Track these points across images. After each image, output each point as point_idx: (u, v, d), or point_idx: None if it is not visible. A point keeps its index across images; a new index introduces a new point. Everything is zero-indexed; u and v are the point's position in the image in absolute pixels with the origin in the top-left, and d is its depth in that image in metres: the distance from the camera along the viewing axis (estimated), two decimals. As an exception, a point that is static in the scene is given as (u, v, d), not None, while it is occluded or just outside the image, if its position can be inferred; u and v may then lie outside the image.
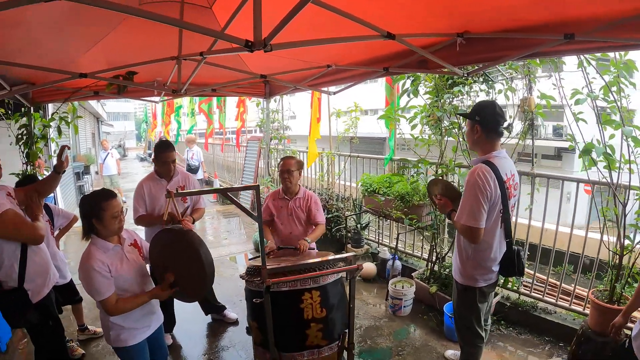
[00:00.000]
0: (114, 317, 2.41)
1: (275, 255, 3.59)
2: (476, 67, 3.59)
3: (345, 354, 2.98)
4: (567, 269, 4.29)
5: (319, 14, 2.10)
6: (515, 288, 4.41)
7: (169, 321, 4.08)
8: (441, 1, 2.51)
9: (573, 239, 4.04)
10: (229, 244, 7.54)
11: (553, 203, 4.13)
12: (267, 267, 2.55)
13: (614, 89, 3.49)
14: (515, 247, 2.80)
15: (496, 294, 4.30)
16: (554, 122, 14.91)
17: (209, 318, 4.54)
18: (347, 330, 2.95)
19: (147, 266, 2.73)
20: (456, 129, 4.33)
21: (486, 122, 2.68)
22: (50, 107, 6.19)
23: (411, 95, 4.60)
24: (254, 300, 2.68)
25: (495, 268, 2.81)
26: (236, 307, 4.66)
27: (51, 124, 5.15)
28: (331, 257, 2.90)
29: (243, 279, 2.92)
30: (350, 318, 2.92)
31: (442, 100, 4.31)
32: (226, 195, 2.61)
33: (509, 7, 2.46)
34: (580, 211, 4.11)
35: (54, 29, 2.85)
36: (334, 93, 5.26)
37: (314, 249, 3.80)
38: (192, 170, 10.14)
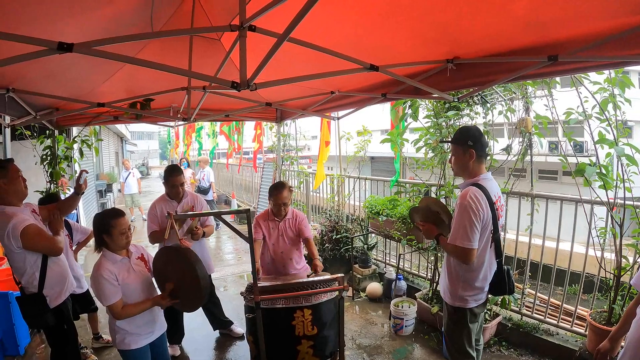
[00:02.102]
0: (120, 322, 2.66)
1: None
2: (466, 92, 3.68)
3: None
4: (573, 288, 4.27)
5: (305, 52, 2.31)
6: (517, 309, 4.42)
7: (178, 333, 4.29)
8: (433, 30, 2.67)
9: (576, 257, 4.06)
10: (243, 263, 7.66)
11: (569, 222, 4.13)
12: (261, 285, 2.73)
13: (610, 106, 3.54)
14: (505, 267, 2.86)
15: (497, 315, 4.34)
16: (577, 138, 14.76)
17: (216, 332, 4.71)
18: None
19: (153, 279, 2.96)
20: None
21: (480, 145, 2.78)
22: (74, 129, 6.57)
23: (409, 120, 4.77)
24: (246, 315, 2.85)
25: (486, 288, 2.87)
26: (243, 323, 4.79)
27: (74, 145, 5.50)
28: (320, 277, 3.05)
29: (242, 295, 3.10)
30: (340, 336, 3.04)
31: (438, 124, 4.45)
32: (220, 218, 2.82)
33: (496, 33, 2.59)
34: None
35: (73, 63, 3.13)
36: (339, 118, 5.48)
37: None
38: (202, 191, 10.26)
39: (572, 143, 3.85)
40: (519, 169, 4.34)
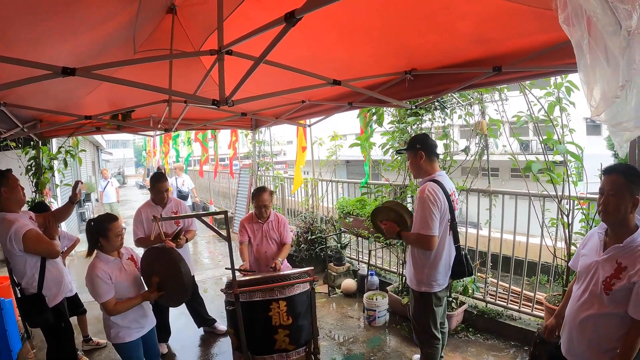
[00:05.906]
0: (114, 318, 2.91)
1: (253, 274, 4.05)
2: (425, 99, 4.05)
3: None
4: (534, 278, 4.62)
5: (277, 68, 2.60)
6: (481, 297, 4.75)
7: (165, 332, 4.50)
8: (392, 47, 3.02)
9: (534, 247, 4.40)
10: (223, 266, 7.79)
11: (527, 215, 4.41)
12: (238, 279, 3.03)
13: (556, 108, 3.91)
14: (463, 252, 3.22)
15: (463, 303, 4.67)
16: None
17: (201, 330, 4.93)
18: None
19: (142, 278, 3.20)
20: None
21: (427, 147, 3.17)
22: (54, 140, 6.70)
23: (374, 125, 5.11)
24: (227, 308, 3.13)
25: (448, 272, 3.21)
26: (226, 321, 5.01)
27: (58, 156, 5.67)
28: (292, 271, 3.33)
29: (222, 292, 3.35)
30: (314, 326, 3.33)
31: (401, 129, 4.80)
32: (200, 220, 3.10)
33: (447, 48, 2.95)
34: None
35: (60, 79, 3.34)
36: (310, 125, 5.79)
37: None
38: (183, 197, 10.48)
39: (542, 143, 4.15)
40: (492, 168, 4.69)
